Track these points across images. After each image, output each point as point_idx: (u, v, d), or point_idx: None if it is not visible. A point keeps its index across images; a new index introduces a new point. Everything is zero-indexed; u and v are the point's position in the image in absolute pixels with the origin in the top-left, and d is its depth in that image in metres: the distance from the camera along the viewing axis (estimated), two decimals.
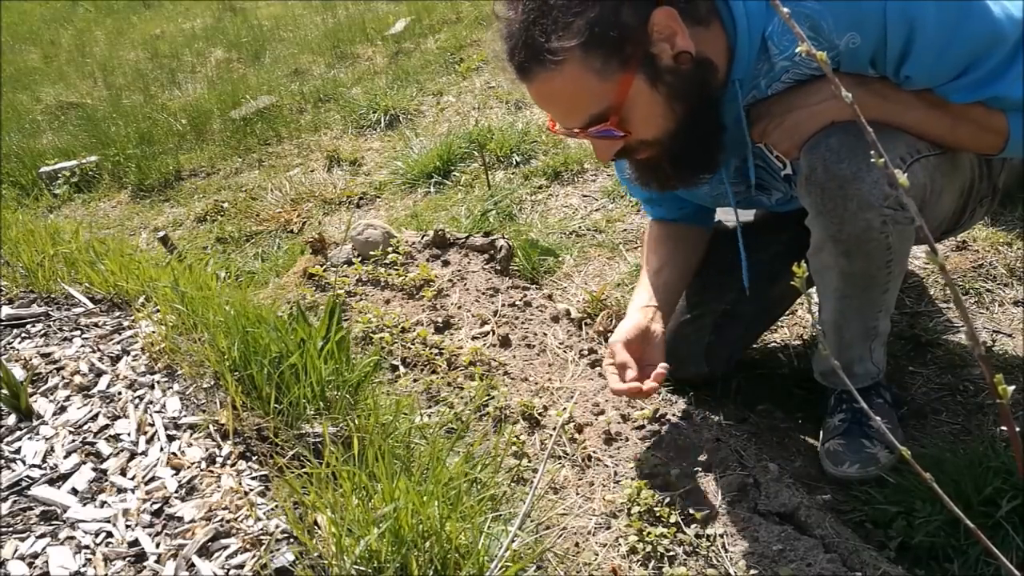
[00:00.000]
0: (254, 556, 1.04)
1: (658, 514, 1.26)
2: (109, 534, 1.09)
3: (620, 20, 1.13)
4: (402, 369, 1.70)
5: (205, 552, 1.05)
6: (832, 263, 1.29)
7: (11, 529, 1.10)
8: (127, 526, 1.10)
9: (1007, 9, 1.13)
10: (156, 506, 1.14)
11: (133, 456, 1.24)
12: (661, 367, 1.35)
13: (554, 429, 1.49)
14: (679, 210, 1.62)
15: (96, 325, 1.62)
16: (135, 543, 1.07)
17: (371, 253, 2.11)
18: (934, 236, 1.51)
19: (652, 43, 1.16)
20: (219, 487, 1.17)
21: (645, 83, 1.18)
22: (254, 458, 1.23)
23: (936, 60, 1.14)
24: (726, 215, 1.68)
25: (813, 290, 1.44)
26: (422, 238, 2.19)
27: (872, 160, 1.20)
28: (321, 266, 2.10)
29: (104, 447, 1.26)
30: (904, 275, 1.40)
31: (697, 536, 1.24)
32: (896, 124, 1.22)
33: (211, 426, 1.28)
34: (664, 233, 1.63)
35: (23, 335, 1.61)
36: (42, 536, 1.09)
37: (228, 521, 1.10)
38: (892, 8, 1.11)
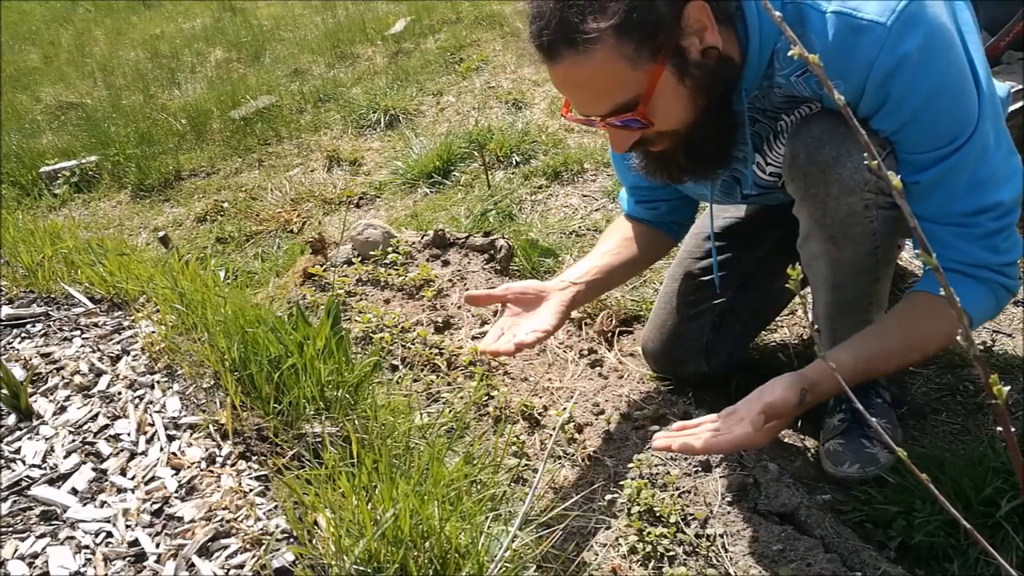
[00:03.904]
0: (254, 556, 1.04)
1: (658, 514, 1.26)
2: (109, 534, 1.09)
3: (655, 7, 1.13)
4: (402, 369, 1.70)
5: (205, 552, 1.05)
6: (820, 251, 1.31)
7: (11, 529, 1.10)
8: (127, 526, 1.10)
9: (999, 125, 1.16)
10: (156, 506, 1.14)
11: (133, 456, 1.25)
12: (537, 332, 1.35)
13: (554, 429, 1.49)
14: (652, 211, 1.62)
15: (96, 325, 1.62)
16: (135, 543, 1.07)
17: (371, 253, 2.11)
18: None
19: (683, 35, 1.15)
20: (219, 487, 1.17)
21: (673, 75, 1.17)
22: (254, 458, 1.23)
23: (911, 124, 1.15)
24: (720, 212, 1.68)
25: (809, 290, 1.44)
26: (422, 238, 2.19)
27: (852, 144, 1.18)
28: (321, 266, 2.10)
29: (104, 447, 1.26)
30: (894, 267, 1.40)
31: (697, 536, 1.24)
32: (865, 370, 1.25)
33: (211, 426, 1.28)
34: (631, 228, 1.62)
35: (23, 335, 1.61)
36: (42, 536, 1.09)
37: (228, 521, 1.10)
38: (878, 66, 1.11)
